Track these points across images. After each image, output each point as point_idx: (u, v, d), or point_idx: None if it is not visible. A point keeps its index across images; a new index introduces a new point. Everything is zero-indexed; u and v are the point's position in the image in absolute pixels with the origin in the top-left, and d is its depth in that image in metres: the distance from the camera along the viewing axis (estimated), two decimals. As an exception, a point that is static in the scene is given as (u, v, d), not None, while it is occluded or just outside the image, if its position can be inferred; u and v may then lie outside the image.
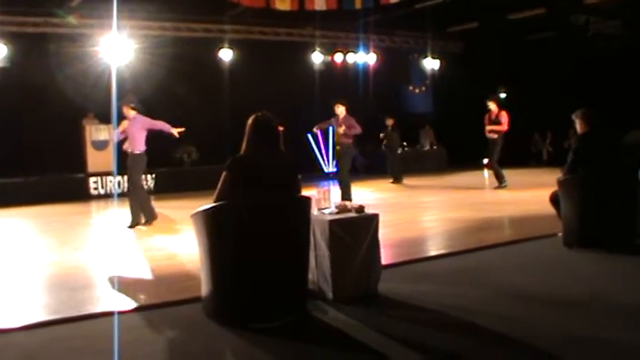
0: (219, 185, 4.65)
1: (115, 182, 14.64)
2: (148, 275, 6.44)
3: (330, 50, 18.99)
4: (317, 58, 18.55)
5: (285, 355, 4.02)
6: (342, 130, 11.53)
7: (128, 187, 9.86)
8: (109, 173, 14.77)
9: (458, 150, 19.89)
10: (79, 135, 15.32)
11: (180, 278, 6.10)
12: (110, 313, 4.79)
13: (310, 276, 4.94)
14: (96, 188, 15.05)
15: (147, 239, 8.83)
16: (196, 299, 4.94)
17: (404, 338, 4.15)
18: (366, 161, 19.94)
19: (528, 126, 20.83)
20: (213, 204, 4.56)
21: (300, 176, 4.92)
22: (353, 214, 5.18)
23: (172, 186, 15.49)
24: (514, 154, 18.02)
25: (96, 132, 15.18)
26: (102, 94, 13.54)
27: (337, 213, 5.16)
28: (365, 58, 19.52)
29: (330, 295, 4.98)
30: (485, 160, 13.69)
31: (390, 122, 16.70)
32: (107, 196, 14.77)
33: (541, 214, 8.61)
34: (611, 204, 6.49)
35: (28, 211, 12.43)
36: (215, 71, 16.95)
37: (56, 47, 14.89)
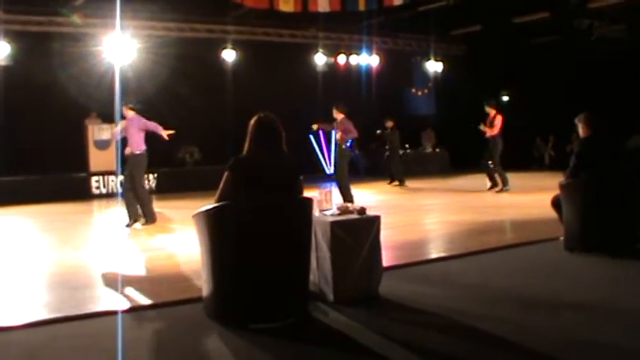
0: (220, 186, 4.66)
1: (117, 182, 14.64)
2: (149, 275, 6.44)
3: (333, 52, 19.01)
4: (320, 59, 18.56)
5: (286, 356, 4.02)
6: (339, 135, 11.66)
7: (124, 186, 9.89)
8: (111, 173, 14.80)
9: (460, 153, 19.88)
10: (82, 134, 15.35)
11: (181, 278, 6.11)
12: (112, 312, 4.80)
13: (311, 277, 4.94)
14: (98, 187, 15.08)
15: (148, 239, 8.84)
16: (197, 299, 4.94)
17: (404, 340, 4.14)
18: (368, 163, 19.92)
19: (531, 130, 20.83)
20: (215, 204, 4.56)
21: (301, 177, 4.92)
22: (354, 216, 5.18)
23: (174, 186, 15.52)
24: (516, 158, 18.03)
25: (98, 131, 15.20)
26: (105, 94, 13.54)
27: (339, 214, 5.17)
28: (368, 60, 19.53)
29: (330, 296, 4.98)
30: (489, 163, 13.68)
31: (389, 124, 16.63)
32: (109, 195, 14.79)
33: (543, 218, 8.59)
34: (613, 208, 6.49)
35: (30, 210, 12.44)
36: (218, 72, 16.97)
37: (60, 46, 14.91)
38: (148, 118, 9.95)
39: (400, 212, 10.74)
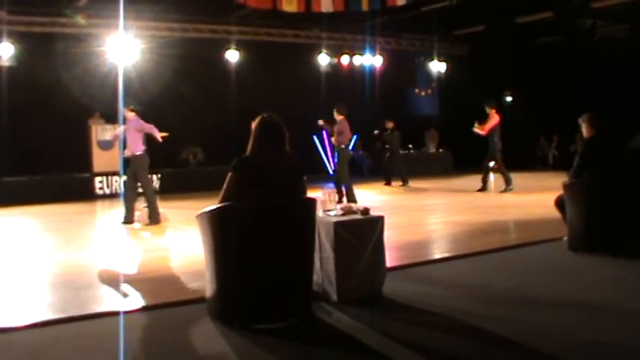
0: (224, 186, 4.65)
1: (121, 182, 14.66)
2: (152, 275, 6.44)
3: (336, 52, 19.02)
4: (323, 59, 18.57)
5: (289, 357, 4.02)
6: (333, 138, 12.03)
7: (127, 185, 9.97)
8: (114, 173, 14.82)
9: (463, 153, 19.86)
10: (85, 134, 15.37)
11: (185, 278, 6.11)
12: (115, 313, 4.80)
13: (315, 278, 4.94)
14: (101, 188, 15.11)
15: (152, 239, 8.85)
16: (201, 300, 4.94)
17: (408, 341, 4.14)
18: (372, 163, 19.90)
19: (534, 130, 20.82)
20: (219, 205, 4.56)
21: (305, 178, 4.91)
22: (358, 216, 5.17)
23: (177, 187, 15.54)
24: (520, 158, 18.01)
25: (102, 132, 15.21)
26: (108, 94, 13.59)
27: (342, 215, 5.16)
28: (371, 60, 19.53)
29: (334, 296, 4.97)
30: (492, 163, 13.68)
31: (390, 125, 16.56)
32: (112, 195, 14.81)
33: (546, 218, 8.58)
34: (616, 208, 6.47)
35: (33, 211, 12.47)
36: (221, 72, 16.98)
37: (63, 47, 14.95)
38: (147, 120, 10.04)
39: (404, 212, 10.73)
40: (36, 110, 14.70)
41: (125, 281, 5.98)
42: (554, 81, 18.96)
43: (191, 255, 7.05)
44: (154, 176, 15.36)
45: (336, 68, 19.08)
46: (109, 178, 15.09)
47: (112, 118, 13.65)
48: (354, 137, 19.26)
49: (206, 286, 4.79)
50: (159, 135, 10.00)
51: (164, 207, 10.43)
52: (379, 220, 5.19)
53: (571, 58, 18.67)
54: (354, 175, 11.75)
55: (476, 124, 13.61)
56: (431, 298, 5.11)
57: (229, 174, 4.65)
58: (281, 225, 4.52)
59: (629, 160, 6.81)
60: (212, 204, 4.61)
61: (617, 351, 3.89)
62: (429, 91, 22.70)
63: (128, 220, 9.77)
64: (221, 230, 4.53)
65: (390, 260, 5.59)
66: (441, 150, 21.34)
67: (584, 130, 6.98)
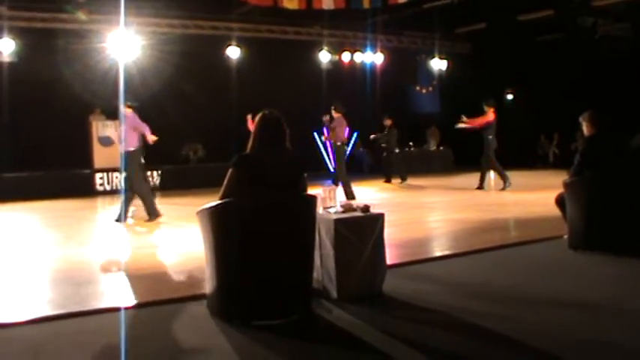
0: (224, 183, 4.65)
1: (121, 178, 14.66)
2: (152, 271, 6.44)
3: (337, 49, 19.00)
4: (324, 57, 18.56)
5: (289, 354, 4.02)
6: (330, 134, 12.28)
7: (127, 184, 9.96)
8: (115, 169, 14.80)
9: (464, 151, 19.84)
10: (86, 131, 15.39)
11: (185, 275, 6.12)
12: (115, 309, 4.81)
13: (315, 275, 4.94)
14: (102, 184, 15.12)
15: (152, 236, 8.85)
16: (201, 296, 4.95)
17: (408, 338, 4.14)
18: (372, 161, 19.89)
19: (535, 128, 20.81)
20: (219, 201, 4.56)
21: (306, 175, 4.91)
22: (358, 214, 5.17)
23: (178, 183, 15.55)
24: (521, 156, 18.02)
25: (102, 128, 15.24)
26: (109, 91, 13.58)
27: (343, 212, 5.16)
28: (372, 57, 19.52)
29: (334, 294, 4.98)
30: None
31: (388, 122, 16.53)
32: (113, 192, 14.80)
33: (547, 216, 8.59)
34: (617, 207, 6.47)
35: (34, 206, 12.48)
36: (222, 69, 16.98)
37: (64, 43, 14.95)
38: (147, 117, 10.01)
39: (404, 210, 10.73)
40: (37, 106, 14.70)
41: (125, 277, 5.98)
42: (555, 79, 18.95)
43: (191, 251, 7.04)
44: (155, 173, 15.37)
45: (337, 65, 19.07)
46: (110, 174, 15.10)
47: (112, 114, 13.63)
48: (355, 135, 19.31)
49: (206, 282, 4.79)
50: (150, 137, 9.90)
51: (164, 204, 10.44)
52: (379, 218, 5.18)
53: (572, 56, 18.67)
54: (355, 173, 11.79)
55: (463, 118, 13.64)
56: (431, 295, 5.12)
57: (230, 170, 4.65)
58: (281, 222, 4.52)
59: (630, 158, 6.81)
60: (212, 201, 4.61)
61: (618, 350, 3.89)
62: (430, 88, 22.67)
63: (120, 219, 9.72)
64: (221, 227, 4.53)
65: (390, 258, 5.59)
66: (441, 148, 21.33)
67: (585, 129, 6.98)
